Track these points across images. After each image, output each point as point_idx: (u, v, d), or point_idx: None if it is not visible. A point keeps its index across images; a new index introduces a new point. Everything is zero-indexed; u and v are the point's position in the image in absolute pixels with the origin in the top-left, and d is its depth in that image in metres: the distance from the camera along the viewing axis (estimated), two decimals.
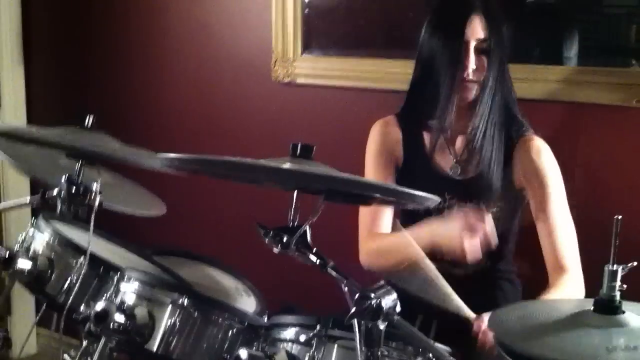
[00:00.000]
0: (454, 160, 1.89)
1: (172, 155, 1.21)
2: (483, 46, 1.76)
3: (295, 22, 2.53)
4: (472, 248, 1.65)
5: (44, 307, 1.72)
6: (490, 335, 1.60)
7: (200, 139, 2.79)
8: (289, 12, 2.52)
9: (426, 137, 1.91)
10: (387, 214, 1.91)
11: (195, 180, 2.58)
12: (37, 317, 1.78)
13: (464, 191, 1.84)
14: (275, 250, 1.20)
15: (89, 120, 1.71)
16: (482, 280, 1.88)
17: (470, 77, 1.76)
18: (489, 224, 1.65)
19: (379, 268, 1.82)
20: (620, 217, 1.11)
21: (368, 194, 1.25)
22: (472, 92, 1.79)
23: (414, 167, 1.92)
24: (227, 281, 1.83)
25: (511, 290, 1.95)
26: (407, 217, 1.93)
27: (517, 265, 1.99)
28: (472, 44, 1.75)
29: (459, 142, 1.88)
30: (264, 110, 2.68)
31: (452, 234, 1.65)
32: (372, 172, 1.95)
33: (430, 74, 1.80)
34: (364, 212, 1.92)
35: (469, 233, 1.64)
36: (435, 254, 1.88)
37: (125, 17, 2.98)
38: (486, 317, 1.59)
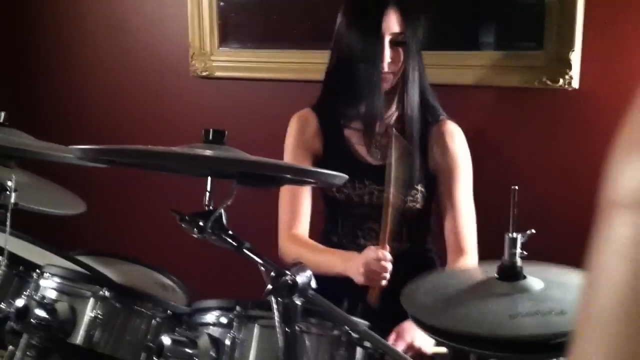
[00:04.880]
0: (375, 147, 1.94)
1: (84, 146, 1.22)
2: (398, 39, 1.81)
3: (212, 15, 2.55)
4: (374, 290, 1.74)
5: None
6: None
7: (118, 133, 2.77)
8: (204, 6, 2.54)
9: (344, 125, 1.96)
10: (305, 212, 1.96)
11: (114, 177, 2.57)
12: None
13: (384, 176, 1.88)
14: (194, 235, 1.22)
15: (0, 116, 1.69)
16: (403, 262, 1.94)
17: (386, 69, 1.81)
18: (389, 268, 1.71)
19: None
20: (516, 187, 1.17)
21: (278, 175, 1.29)
22: (388, 82, 1.84)
23: (334, 155, 1.95)
24: (152, 277, 1.83)
25: (431, 270, 2.01)
26: (331, 206, 1.98)
27: (435, 245, 2.06)
28: (388, 38, 1.79)
29: (379, 129, 1.92)
30: (182, 103, 2.68)
31: (359, 272, 1.71)
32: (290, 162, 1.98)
33: (347, 65, 1.84)
34: (283, 210, 1.96)
35: (373, 278, 1.71)
36: (358, 244, 1.94)
37: (39, 12, 2.92)
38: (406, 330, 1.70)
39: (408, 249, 1.95)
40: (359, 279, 1.72)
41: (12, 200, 1.56)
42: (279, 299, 1.16)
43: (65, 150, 1.55)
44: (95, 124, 2.84)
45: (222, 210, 1.18)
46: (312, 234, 1.97)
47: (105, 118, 2.83)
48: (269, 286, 1.15)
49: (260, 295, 1.25)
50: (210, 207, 1.20)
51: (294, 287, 1.16)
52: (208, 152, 1.14)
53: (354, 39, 1.81)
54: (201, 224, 1.17)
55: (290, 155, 1.98)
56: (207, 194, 1.21)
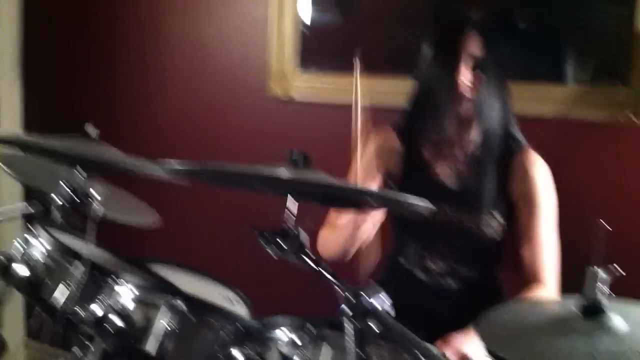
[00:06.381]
0: (452, 171, 1.92)
1: (179, 165, 1.24)
2: (478, 63, 1.80)
3: (292, 40, 2.58)
4: None
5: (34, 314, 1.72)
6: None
7: (197, 156, 2.82)
8: (285, 30, 2.57)
9: (424, 149, 1.95)
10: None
11: (187, 190, 2.61)
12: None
13: (461, 202, 1.87)
14: (271, 252, 1.22)
15: (92, 130, 1.73)
16: (473, 292, 1.92)
17: (465, 93, 1.80)
18: None
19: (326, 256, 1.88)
20: (602, 220, 1.14)
21: (363, 200, 1.28)
22: (467, 107, 1.83)
23: (410, 176, 1.95)
24: (217, 289, 1.85)
25: (500, 300, 1.97)
26: (400, 227, 1.96)
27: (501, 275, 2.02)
28: (467, 62, 1.79)
29: (458, 154, 1.92)
30: (260, 127, 2.72)
31: None
32: (358, 175, 1.97)
33: (428, 89, 1.85)
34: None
35: None
36: (426, 267, 1.92)
37: (124, 35, 3.03)
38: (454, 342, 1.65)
39: (478, 278, 1.92)
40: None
41: (98, 212, 1.60)
42: (353, 320, 1.15)
43: (155, 166, 1.57)
44: (173, 145, 2.90)
45: (303, 230, 1.18)
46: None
47: (184, 140, 2.89)
48: (343, 308, 1.14)
49: (329, 315, 1.24)
50: (291, 226, 1.20)
51: (369, 310, 1.15)
52: (301, 176, 1.14)
53: (433, 61, 1.83)
54: (281, 242, 1.17)
55: (362, 170, 1.95)
56: (288, 213, 1.21)
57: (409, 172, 1.96)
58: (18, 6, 3.20)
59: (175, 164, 1.22)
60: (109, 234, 1.80)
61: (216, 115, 2.82)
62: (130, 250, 1.95)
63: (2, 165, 1.86)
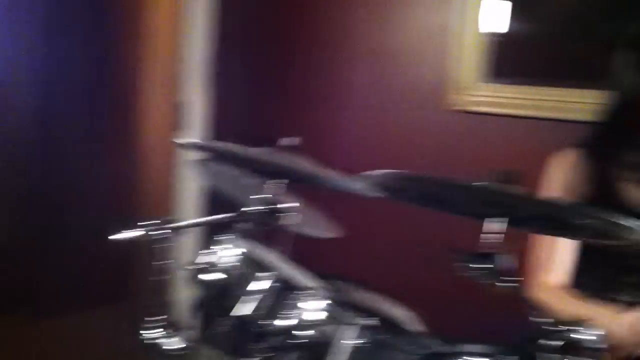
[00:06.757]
0: None
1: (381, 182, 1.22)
2: None
3: (474, 50, 2.53)
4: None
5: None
6: None
7: (373, 165, 2.82)
8: (467, 41, 2.52)
9: (618, 171, 1.81)
10: (564, 257, 1.83)
11: (369, 203, 2.63)
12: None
13: None
14: (471, 277, 1.18)
15: (290, 140, 1.76)
16: None
17: None
18: None
19: None
20: None
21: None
22: None
23: (602, 202, 1.80)
24: (394, 310, 1.82)
25: None
26: (586, 255, 1.84)
27: None
28: None
29: None
30: (438, 138, 2.68)
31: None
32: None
33: (628, 102, 1.73)
34: (538, 250, 1.85)
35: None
36: (611, 299, 1.79)
37: (305, 46, 3.09)
38: None
39: None
40: (621, 338, 1.56)
41: (292, 224, 1.64)
42: (552, 354, 1.09)
43: (355, 181, 1.58)
44: (349, 154, 2.92)
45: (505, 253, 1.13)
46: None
47: (360, 149, 2.91)
48: (543, 341, 1.08)
49: (519, 345, 1.18)
50: (491, 249, 1.15)
51: (572, 345, 1.08)
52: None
53: (634, 71, 1.69)
54: (480, 265, 1.13)
55: (550, 192, 1.86)
56: (491, 235, 1.16)
57: (596, 197, 1.81)
58: (211, 13, 3.32)
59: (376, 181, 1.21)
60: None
61: (394, 126, 2.81)
62: (306, 262, 1.98)
63: (195, 172, 1.95)
